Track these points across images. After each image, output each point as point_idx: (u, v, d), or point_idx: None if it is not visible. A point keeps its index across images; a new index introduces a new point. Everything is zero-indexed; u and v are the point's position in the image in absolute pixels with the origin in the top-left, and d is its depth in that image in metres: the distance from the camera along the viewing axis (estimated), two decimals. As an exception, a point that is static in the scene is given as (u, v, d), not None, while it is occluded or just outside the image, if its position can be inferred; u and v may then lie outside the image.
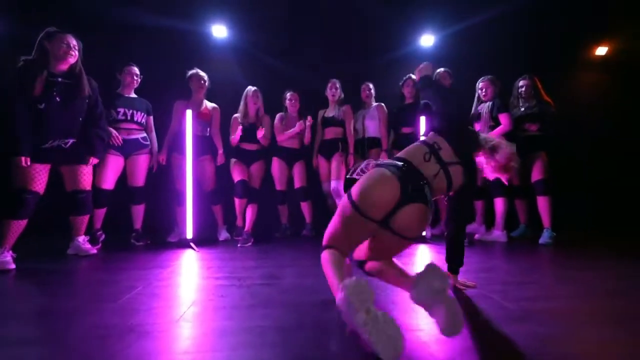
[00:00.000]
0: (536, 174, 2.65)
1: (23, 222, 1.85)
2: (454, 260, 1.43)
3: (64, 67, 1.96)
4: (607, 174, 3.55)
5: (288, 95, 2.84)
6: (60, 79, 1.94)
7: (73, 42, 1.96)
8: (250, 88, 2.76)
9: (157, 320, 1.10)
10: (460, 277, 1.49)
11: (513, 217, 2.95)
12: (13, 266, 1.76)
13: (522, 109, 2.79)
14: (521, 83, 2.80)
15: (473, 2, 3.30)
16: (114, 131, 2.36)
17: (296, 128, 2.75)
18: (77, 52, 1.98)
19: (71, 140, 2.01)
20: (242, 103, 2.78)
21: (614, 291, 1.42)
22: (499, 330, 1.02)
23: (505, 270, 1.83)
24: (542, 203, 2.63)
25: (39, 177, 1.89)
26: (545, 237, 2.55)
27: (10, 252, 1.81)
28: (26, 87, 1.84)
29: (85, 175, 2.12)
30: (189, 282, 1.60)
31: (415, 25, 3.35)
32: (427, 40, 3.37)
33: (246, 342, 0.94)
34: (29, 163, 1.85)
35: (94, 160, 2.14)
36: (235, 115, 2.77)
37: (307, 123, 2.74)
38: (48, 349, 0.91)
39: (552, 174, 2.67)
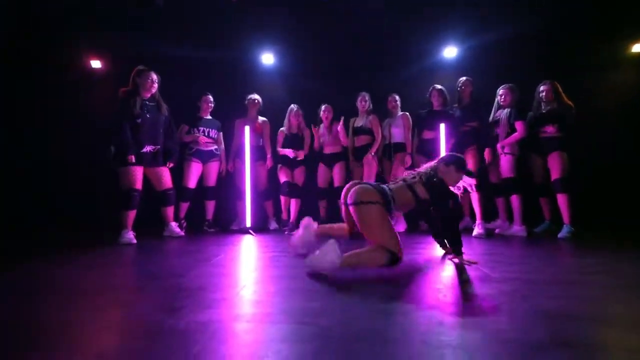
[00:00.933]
0: (555, 173, 2.83)
1: (133, 212, 2.62)
2: (455, 245, 1.80)
3: (149, 94, 2.72)
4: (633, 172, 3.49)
5: (323, 107, 3.35)
6: (146, 102, 2.71)
7: (154, 77, 2.71)
8: (293, 107, 3.36)
9: (237, 272, 1.69)
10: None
11: (539, 213, 3.13)
12: (135, 241, 2.54)
13: (543, 111, 2.98)
14: (542, 88, 2.99)
15: (495, 15, 3.52)
16: (200, 137, 3.13)
17: (289, 153, 3.25)
18: (157, 85, 2.74)
19: (156, 147, 2.74)
20: (286, 119, 3.39)
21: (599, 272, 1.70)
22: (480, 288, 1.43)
23: (507, 255, 2.14)
24: (562, 200, 2.81)
25: (138, 178, 2.63)
26: (564, 232, 2.73)
27: (132, 231, 2.60)
28: (129, 108, 2.61)
29: (167, 176, 2.84)
30: (252, 255, 2.21)
31: (438, 38, 3.68)
32: (450, 51, 3.67)
33: (295, 289, 1.48)
34: (134, 160, 2.58)
35: (170, 164, 2.86)
36: (281, 129, 3.39)
37: (299, 155, 3.25)
38: (176, 280, 1.55)
39: (572, 173, 2.83)
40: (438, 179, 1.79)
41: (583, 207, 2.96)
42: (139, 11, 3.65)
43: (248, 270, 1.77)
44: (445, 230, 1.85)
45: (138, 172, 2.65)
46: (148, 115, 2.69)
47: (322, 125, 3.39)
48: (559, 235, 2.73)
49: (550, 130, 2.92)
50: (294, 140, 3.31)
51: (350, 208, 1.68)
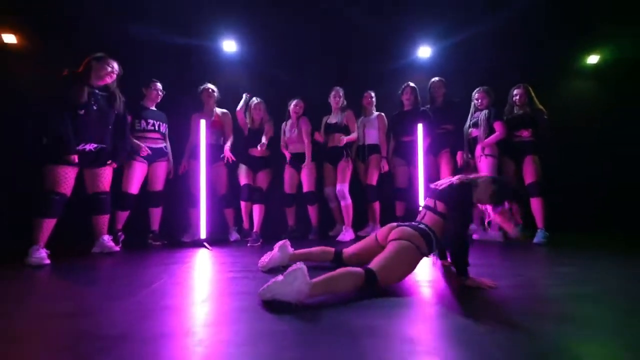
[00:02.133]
0: (528, 177, 2.80)
1: (52, 221, 2.04)
2: (460, 266, 1.49)
3: (101, 83, 2.21)
4: (601, 176, 3.66)
5: (294, 102, 3.00)
6: (97, 91, 2.20)
7: (115, 66, 2.24)
8: (254, 99, 2.96)
9: (181, 302, 1.27)
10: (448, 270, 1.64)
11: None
12: (48, 262, 1.96)
13: (517, 115, 2.94)
14: (515, 92, 2.96)
15: (468, 16, 3.48)
16: (142, 144, 2.60)
17: (256, 152, 2.91)
18: (115, 76, 2.26)
19: (100, 146, 2.22)
20: (247, 113, 2.98)
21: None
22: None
23: (486, 261, 1.97)
24: (535, 204, 2.76)
25: (67, 180, 2.08)
26: (539, 237, 2.68)
27: (44, 249, 2.01)
28: (75, 94, 2.09)
29: (105, 178, 2.32)
30: (205, 275, 1.78)
31: (413, 38, 3.55)
32: (424, 51, 3.56)
33: (259, 317, 1.11)
34: (76, 160, 2.07)
35: (113, 165, 2.34)
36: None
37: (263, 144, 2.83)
38: (90, 321, 1.09)
39: (545, 177, 2.81)
40: (468, 184, 1.54)
41: (555, 211, 2.95)
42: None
43: (197, 301, 1.34)
44: (451, 246, 1.52)
45: (69, 173, 2.10)
46: (95, 107, 2.18)
47: (288, 122, 3.04)
48: (534, 241, 2.67)
49: (525, 134, 2.88)
50: (256, 135, 2.91)
51: (390, 243, 1.47)
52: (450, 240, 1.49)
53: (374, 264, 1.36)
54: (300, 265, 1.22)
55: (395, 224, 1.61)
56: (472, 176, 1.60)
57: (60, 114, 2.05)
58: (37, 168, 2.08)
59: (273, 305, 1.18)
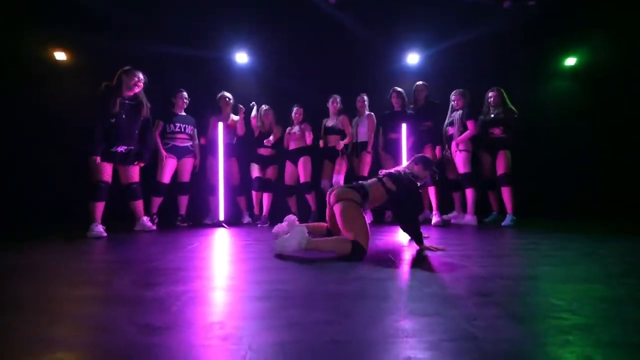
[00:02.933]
0: (500, 169, 3.21)
1: (102, 204, 2.62)
2: (416, 239, 1.89)
3: (131, 93, 2.73)
4: (571, 167, 4.03)
5: (295, 109, 3.51)
6: (126, 101, 2.72)
7: (141, 76, 2.74)
8: (263, 106, 3.49)
9: (211, 256, 1.82)
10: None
11: (488, 206, 3.52)
12: (105, 234, 2.55)
13: (491, 115, 3.36)
14: (490, 94, 3.37)
15: (453, 25, 3.89)
16: (164, 154, 3.18)
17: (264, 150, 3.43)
18: (142, 85, 2.75)
19: (129, 148, 2.75)
20: (257, 117, 3.51)
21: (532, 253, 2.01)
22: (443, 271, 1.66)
23: (458, 239, 2.43)
24: (505, 193, 3.19)
25: (107, 172, 2.65)
26: (507, 221, 3.10)
27: (101, 225, 2.60)
28: (108, 105, 2.61)
29: (135, 171, 2.85)
30: (225, 244, 2.33)
31: (402, 45, 3.99)
32: (412, 58, 4.00)
33: (264, 267, 1.64)
34: (99, 161, 2.60)
35: (140, 164, 2.87)
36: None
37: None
38: (146, 266, 1.64)
39: (513, 169, 3.22)
40: (408, 173, 2.02)
41: (525, 198, 3.36)
42: (107, 3, 3.62)
43: (221, 254, 1.89)
44: (405, 223, 1.94)
45: (106, 166, 2.66)
46: (124, 116, 2.69)
47: (292, 126, 3.55)
48: (503, 223, 3.10)
49: (497, 132, 3.30)
50: (265, 137, 3.44)
51: (334, 207, 1.85)
52: (405, 218, 1.93)
53: (348, 234, 1.71)
54: (300, 226, 1.76)
55: (335, 186, 2.08)
56: (408, 169, 2.13)
57: (95, 124, 2.57)
58: (86, 164, 2.63)
59: (283, 257, 1.69)
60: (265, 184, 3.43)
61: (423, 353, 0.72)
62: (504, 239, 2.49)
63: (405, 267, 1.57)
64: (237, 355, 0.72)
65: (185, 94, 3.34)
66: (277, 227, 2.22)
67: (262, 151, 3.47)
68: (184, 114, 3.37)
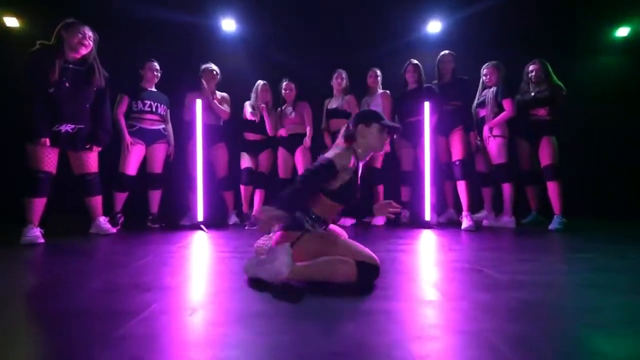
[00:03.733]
0: (545, 160, 2.60)
1: (42, 200, 2.01)
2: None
3: (77, 55, 2.08)
4: (624, 160, 3.40)
5: (284, 84, 2.87)
6: (71, 66, 2.06)
7: (89, 33, 2.08)
8: (260, 82, 2.85)
9: (165, 280, 1.21)
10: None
11: (526, 204, 2.91)
12: (42, 240, 1.95)
13: (532, 94, 2.73)
14: (531, 68, 2.73)
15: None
16: (128, 139, 2.54)
17: (250, 116, 2.80)
18: (91, 43, 2.09)
19: (78, 126, 2.12)
20: (253, 95, 2.88)
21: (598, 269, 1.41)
22: (481, 295, 1.05)
23: (503, 250, 1.83)
24: (552, 189, 2.57)
25: (50, 159, 2.02)
26: (555, 223, 2.50)
27: (38, 228, 2.00)
28: (42, 71, 1.96)
29: (91, 159, 2.23)
30: (195, 254, 1.72)
31: (422, 12, 3.33)
32: (434, 26, 3.34)
33: (243, 293, 1.03)
34: (48, 143, 1.99)
35: (95, 149, 2.24)
36: (246, 103, 2.89)
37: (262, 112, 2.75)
38: (67, 300, 1.04)
39: (562, 159, 2.60)
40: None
41: (572, 196, 2.75)
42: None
43: (171, 279, 1.28)
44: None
45: (50, 153, 2.04)
46: (68, 84, 2.05)
47: (285, 105, 2.92)
48: (550, 227, 2.49)
49: (540, 113, 2.67)
50: (259, 123, 2.82)
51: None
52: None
53: (353, 254, 1.14)
54: (284, 245, 1.13)
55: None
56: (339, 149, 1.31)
57: (29, 95, 1.95)
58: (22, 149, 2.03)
59: (258, 283, 1.11)
60: (256, 177, 2.81)
61: None
62: (564, 252, 1.88)
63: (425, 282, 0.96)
64: None
65: (156, 64, 2.69)
66: (261, 241, 1.47)
67: (251, 136, 2.86)
68: (154, 89, 2.72)
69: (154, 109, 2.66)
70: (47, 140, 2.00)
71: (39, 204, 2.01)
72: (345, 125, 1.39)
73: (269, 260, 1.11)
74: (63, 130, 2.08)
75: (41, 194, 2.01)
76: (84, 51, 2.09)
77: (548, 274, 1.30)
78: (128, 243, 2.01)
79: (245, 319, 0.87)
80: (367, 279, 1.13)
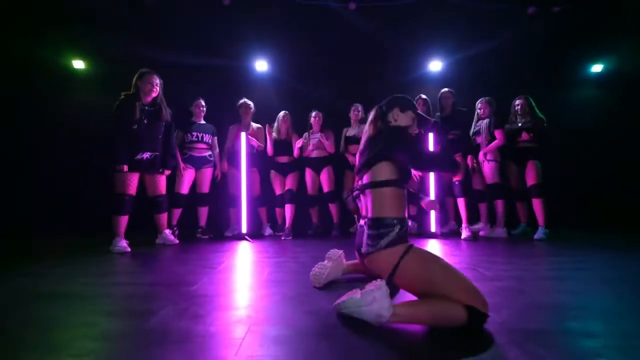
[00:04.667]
0: (530, 180, 3.10)
1: (126, 217, 2.55)
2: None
3: (149, 99, 2.65)
4: (606, 179, 3.91)
5: (313, 113, 3.43)
6: (147, 107, 2.64)
7: (156, 80, 2.65)
8: (282, 112, 3.42)
9: (231, 286, 1.72)
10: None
11: (516, 217, 3.40)
12: (129, 249, 2.47)
13: (519, 124, 3.26)
14: (517, 102, 3.28)
15: (477, 32, 3.81)
16: (182, 165, 3.10)
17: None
18: (158, 88, 2.67)
19: (154, 154, 2.67)
20: (275, 124, 3.44)
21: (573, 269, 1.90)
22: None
23: (494, 255, 2.32)
24: (537, 204, 3.07)
25: (132, 183, 2.57)
26: (539, 234, 2.99)
27: (125, 239, 2.52)
28: (127, 114, 2.54)
29: (162, 183, 2.79)
30: (248, 259, 2.23)
31: (425, 52, 3.91)
32: (435, 65, 3.91)
33: (282, 284, 1.54)
34: (126, 169, 2.53)
35: (166, 172, 2.81)
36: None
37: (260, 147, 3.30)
38: (193, 288, 1.55)
39: (545, 179, 3.11)
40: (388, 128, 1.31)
41: (555, 210, 3.25)
42: (126, 10, 3.58)
43: (256, 277, 1.79)
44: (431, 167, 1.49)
45: (133, 178, 2.58)
46: (146, 122, 2.61)
47: (311, 131, 3.46)
48: (535, 237, 2.98)
49: (525, 141, 3.19)
50: (283, 145, 3.38)
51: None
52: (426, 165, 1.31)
53: (464, 292, 1.03)
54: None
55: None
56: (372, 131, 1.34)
57: (114, 132, 2.51)
58: (107, 175, 2.58)
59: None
60: (288, 197, 3.35)
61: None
62: (544, 256, 2.38)
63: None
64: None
65: (202, 101, 3.28)
66: (318, 268, 1.53)
67: (281, 159, 3.40)
68: (203, 122, 3.30)
69: (200, 139, 3.22)
70: (126, 167, 2.54)
71: (124, 221, 2.54)
72: (377, 107, 1.37)
73: (366, 302, 1.03)
74: (144, 158, 2.63)
75: (125, 212, 2.55)
76: (154, 94, 2.66)
77: (523, 271, 1.79)
78: (196, 252, 2.52)
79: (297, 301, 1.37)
80: (476, 325, 1.00)
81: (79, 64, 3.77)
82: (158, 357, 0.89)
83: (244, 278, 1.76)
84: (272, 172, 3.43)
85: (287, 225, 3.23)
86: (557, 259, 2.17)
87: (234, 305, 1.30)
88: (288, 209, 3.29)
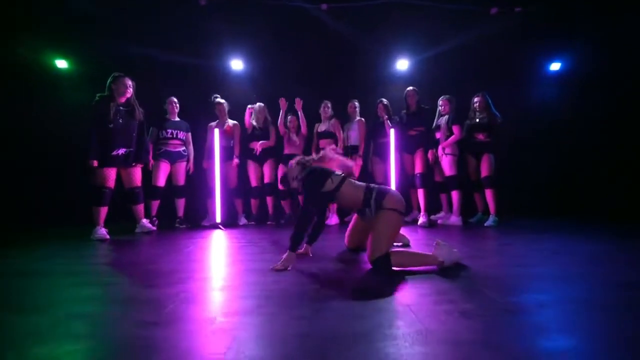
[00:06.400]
0: (484, 172, 3.36)
1: (105, 208, 2.78)
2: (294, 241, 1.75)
3: (123, 100, 2.87)
4: (557, 171, 4.19)
5: (289, 118, 3.66)
6: (121, 108, 2.87)
7: (129, 82, 2.88)
8: (259, 104, 3.66)
9: (203, 264, 1.97)
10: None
11: (474, 206, 3.67)
12: (108, 237, 2.71)
13: (477, 120, 3.50)
14: (475, 99, 3.51)
15: (442, 32, 4.02)
16: (150, 160, 3.30)
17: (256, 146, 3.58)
18: (131, 90, 2.90)
19: (128, 150, 2.90)
20: (254, 114, 3.67)
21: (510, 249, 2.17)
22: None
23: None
24: (489, 195, 3.34)
25: (110, 177, 2.81)
26: (490, 221, 3.26)
27: (104, 228, 2.76)
28: (103, 114, 2.76)
29: (137, 175, 3.02)
30: (221, 244, 2.48)
31: (392, 52, 4.12)
32: (402, 64, 4.13)
33: (256, 269, 1.79)
34: (96, 164, 2.72)
35: (140, 165, 3.03)
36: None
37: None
38: (160, 267, 1.79)
39: (497, 172, 3.37)
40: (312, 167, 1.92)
41: (508, 200, 3.53)
42: (106, 12, 3.73)
43: (217, 256, 2.04)
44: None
45: (110, 172, 2.81)
46: (121, 121, 2.84)
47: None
48: (486, 224, 3.25)
49: (481, 136, 3.44)
50: (260, 136, 3.62)
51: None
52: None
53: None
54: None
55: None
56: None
57: (89, 131, 2.74)
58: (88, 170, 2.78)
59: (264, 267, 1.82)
60: (267, 191, 3.63)
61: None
62: (489, 239, 2.65)
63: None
64: (224, 346, 0.87)
65: (174, 99, 3.49)
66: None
67: (255, 145, 3.61)
68: (177, 119, 3.51)
69: (174, 135, 3.43)
70: (95, 162, 2.73)
71: (103, 211, 2.78)
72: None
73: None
74: (120, 154, 2.86)
75: (104, 204, 2.77)
76: (128, 96, 2.89)
77: (469, 252, 2.05)
78: (171, 238, 2.76)
79: (256, 274, 1.62)
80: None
81: (62, 64, 3.93)
82: (107, 314, 1.14)
83: (203, 257, 2.00)
84: (249, 162, 3.65)
85: (270, 213, 3.62)
86: (502, 242, 2.43)
87: (183, 277, 1.54)
88: (269, 201, 3.64)
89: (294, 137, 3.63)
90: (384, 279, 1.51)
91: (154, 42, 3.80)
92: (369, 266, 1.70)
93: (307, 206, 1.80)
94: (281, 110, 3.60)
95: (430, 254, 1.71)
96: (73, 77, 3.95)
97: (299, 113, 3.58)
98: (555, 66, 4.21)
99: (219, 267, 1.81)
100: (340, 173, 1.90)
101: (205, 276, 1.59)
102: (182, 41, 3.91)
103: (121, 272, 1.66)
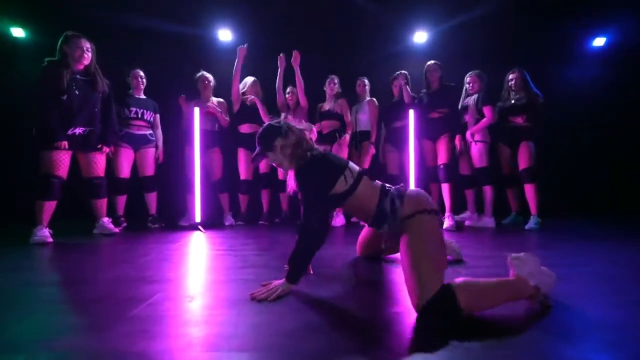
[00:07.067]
0: (522, 163, 2.75)
1: (53, 203, 2.17)
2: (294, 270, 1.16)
3: (80, 67, 2.26)
4: (600, 162, 3.59)
5: (289, 89, 3.07)
6: (78, 76, 2.25)
7: (87, 45, 2.26)
8: (250, 78, 3.07)
9: (167, 273, 1.36)
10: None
11: (506, 205, 3.07)
12: (51, 240, 2.10)
13: (512, 101, 2.90)
14: (511, 76, 2.90)
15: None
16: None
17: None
18: (90, 54, 2.28)
19: (89, 129, 2.30)
20: (246, 88, 3.05)
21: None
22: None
23: (479, 247, 1.99)
24: (529, 190, 2.74)
25: (63, 163, 2.19)
26: (531, 223, 2.66)
27: (47, 228, 2.15)
28: (52, 82, 2.15)
29: (99, 164, 2.41)
30: (193, 252, 1.87)
31: (409, 23, 3.50)
32: (420, 36, 3.51)
33: (234, 284, 1.18)
34: (67, 146, 2.16)
35: (105, 149, 2.42)
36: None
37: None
38: (85, 289, 1.19)
39: (539, 163, 2.77)
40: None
41: (549, 197, 2.93)
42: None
43: (172, 272, 1.43)
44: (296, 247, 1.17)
45: (64, 157, 2.20)
46: (77, 92, 2.23)
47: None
48: (526, 227, 2.65)
49: (518, 120, 2.83)
50: (249, 111, 3.01)
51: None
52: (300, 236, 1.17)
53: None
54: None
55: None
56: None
57: (43, 103, 2.12)
58: (36, 155, 2.19)
59: (246, 278, 1.24)
60: (264, 182, 3.05)
61: None
62: (531, 247, 2.05)
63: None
64: None
65: (140, 72, 2.85)
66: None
67: (246, 128, 3.02)
68: (143, 96, 2.88)
69: (139, 115, 2.80)
70: (66, 143, 2.16)
71: (50, 207, 2.16)
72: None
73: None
74: (77, 133, 2.25)
75: (52, 198, 2.16)
76: (85, 62, 2.27)
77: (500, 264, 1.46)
78: (131, 242, 2.16)
79: (234, 304, 1.02)
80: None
81: (18, 32, 3.31)
82: None
83: (156, 272, 1.39)
84: (240, 150, 3.04)
85: (264, 210, 3.00)
86: (543, 252, 1.83)
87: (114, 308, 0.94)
88: (265, 195, 3.05)
89: (292, 116, 2.99)
90: (435, 323, 0.91)
91: (129, 3, 3.18)
92: (406, 299, 1.09)
93: (310, 218, 1.14)
94: (279, 69, 2.96)
95: (513, 278, 1.04)
96: (30, 47, 3.32)
97: (297, 73, 2.91)
98: (599, 41, 3.60)
99: (169, 289, 1.21)
100: (353, 166, 1.25)
101: (137, 313, 0.99)
102: (162, 4, 3.27)
103: (28, 296, 1.06)
